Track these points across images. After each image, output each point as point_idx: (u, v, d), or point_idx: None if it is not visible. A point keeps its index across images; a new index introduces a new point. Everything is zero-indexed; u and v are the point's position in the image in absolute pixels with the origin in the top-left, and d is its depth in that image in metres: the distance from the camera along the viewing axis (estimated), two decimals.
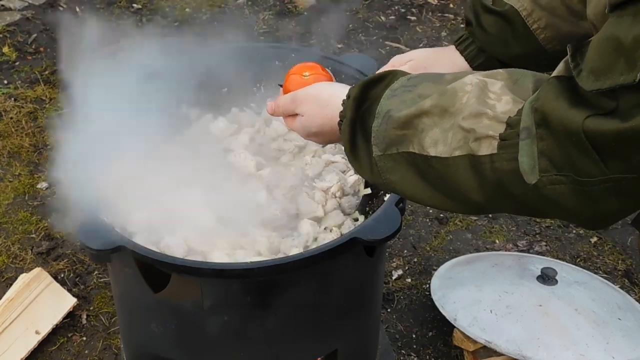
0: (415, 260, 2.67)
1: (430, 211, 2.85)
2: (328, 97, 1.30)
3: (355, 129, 1.20)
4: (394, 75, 1.21)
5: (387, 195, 1.64)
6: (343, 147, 1.25)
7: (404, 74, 1.21)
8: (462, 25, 1.66)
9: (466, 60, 1.61)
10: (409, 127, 1.12)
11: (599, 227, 1.06)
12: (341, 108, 1.24)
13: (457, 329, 2.16)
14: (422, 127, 1.10)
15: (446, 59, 1.62)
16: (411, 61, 1.58)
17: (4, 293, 2.41)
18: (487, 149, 1.03)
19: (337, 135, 1.26)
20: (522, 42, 1.54)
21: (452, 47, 1.66)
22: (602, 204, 0.98)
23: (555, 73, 1.00)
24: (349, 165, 1.91)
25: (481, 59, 1.59)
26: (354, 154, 1.22)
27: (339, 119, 1.24)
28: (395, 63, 1.60)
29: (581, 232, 2.79)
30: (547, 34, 1.53)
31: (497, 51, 1.57)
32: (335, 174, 1.85)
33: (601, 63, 0.92)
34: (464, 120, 1.06)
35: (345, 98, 1.23)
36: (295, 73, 1.45)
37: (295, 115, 1.38)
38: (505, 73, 1.09)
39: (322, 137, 1.35)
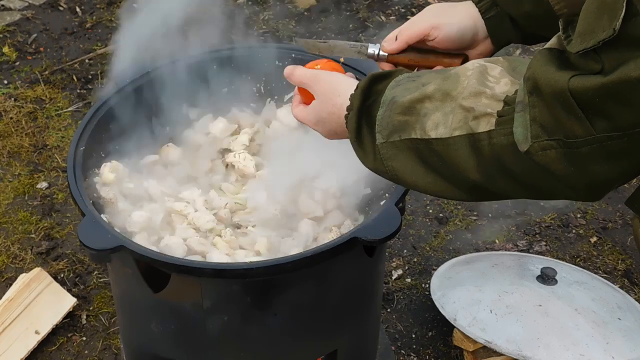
0: (415, 260, 2.66)
1: (430, 211, 2.85)
2: (340, 87, 1.35)
3: (361, 118, 1.25)
4: (400, 71, 1.27)
5: (387, 195, 1.64)
6: (348, 137, 1.29)
7: (409, 72, 1.27)
8: None
9: (480, 11, 1.62)
10: (412, 112, 1.17)
11: (592, 196, 1.09)
12: (349, 102, 1.28)
13: (457, 329, 2.16)
14: (425, 112, 1.15)
15: (462, 6, 1.63)
16: (427, 7, 1.58)
17: (4, 293, 2.41)
18: (485, 126, 1.08)
19: (342, 127, 1.31)
20: (533, 0, 1.56)
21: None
22: (592, 167, 1.01)
23: (547, 46, 1.04)
24: (349, 165, 1.91)
25: (493, 12, 1.60)
26: (358, 143, 1.27)
27: (346, 112, 1.28)
28: (414, 19, 1.60)
29: (581, 232, 2.78)
30: None
31: (509, 6, 1.58)
32: (335, 174, 1.85)
33: (587, 24, 0.96)
34: (464, 100, 1.11)
35: (353, 91, 1.28)
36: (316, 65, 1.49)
37: (305, 101, 1.42)
38: (505, 61, 1.15)
39: (328, 126, 1.38)
